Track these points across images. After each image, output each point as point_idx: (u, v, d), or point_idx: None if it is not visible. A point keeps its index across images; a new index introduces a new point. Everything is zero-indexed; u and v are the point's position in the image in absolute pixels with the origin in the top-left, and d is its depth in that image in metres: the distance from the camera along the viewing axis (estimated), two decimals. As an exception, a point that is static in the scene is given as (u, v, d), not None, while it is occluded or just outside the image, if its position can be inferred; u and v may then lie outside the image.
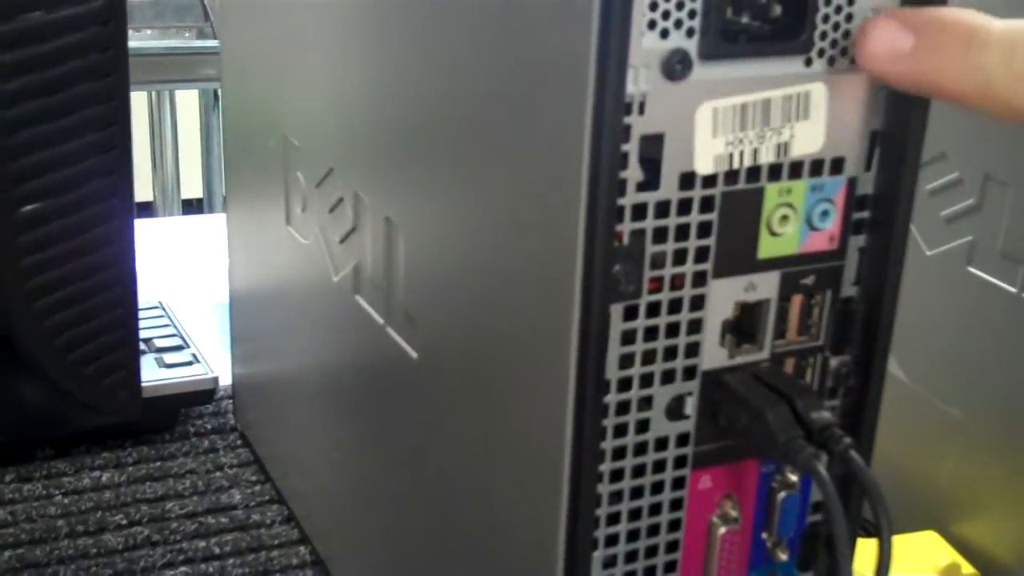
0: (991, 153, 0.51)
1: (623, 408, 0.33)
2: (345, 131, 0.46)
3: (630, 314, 0.32)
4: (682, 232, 0.32)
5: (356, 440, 0.49)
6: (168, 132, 2.06)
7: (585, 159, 0.30)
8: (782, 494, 0.36)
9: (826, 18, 0.32)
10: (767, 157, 0.32)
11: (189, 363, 0.68)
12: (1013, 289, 0.51)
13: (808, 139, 0.33)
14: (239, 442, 0.68)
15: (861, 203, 0.34)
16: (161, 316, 0.74)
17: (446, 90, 0.37)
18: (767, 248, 0.33)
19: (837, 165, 0.34)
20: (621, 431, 0.33)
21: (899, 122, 0.33)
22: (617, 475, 0.34)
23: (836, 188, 0.34)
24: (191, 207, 2.23)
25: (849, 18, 0.32)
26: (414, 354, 0.42)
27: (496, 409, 0.37)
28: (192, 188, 2.15)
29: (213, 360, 0.69)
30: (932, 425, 0.54)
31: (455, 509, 0.40)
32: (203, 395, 0.68)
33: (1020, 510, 0.52)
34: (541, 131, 0.31)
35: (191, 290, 0.90)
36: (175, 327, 0.73)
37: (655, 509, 0.35)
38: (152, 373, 0.66)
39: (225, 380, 0.69)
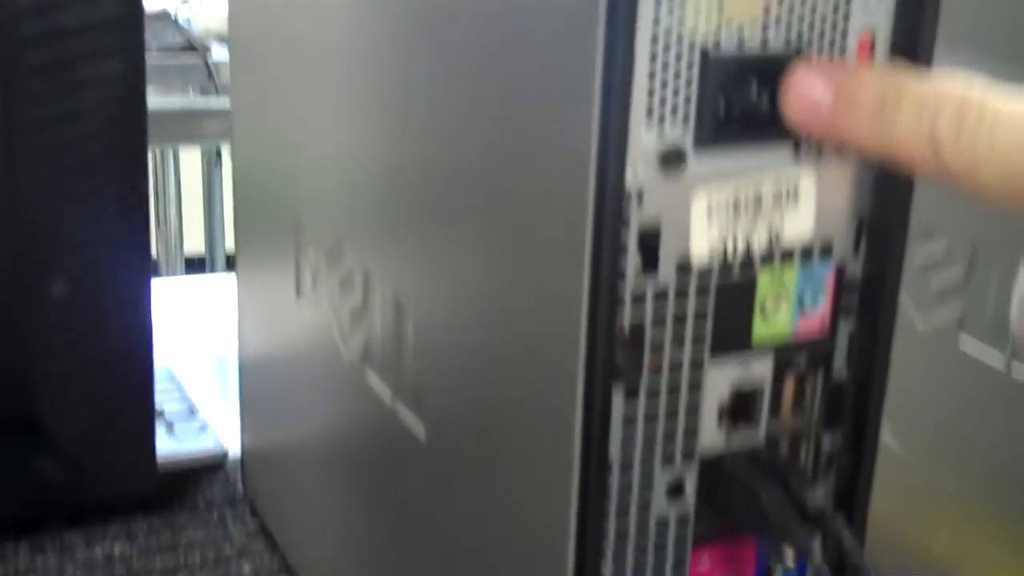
0: (979, 227, 0.53)
1: (625, 489, 0.34)
2: (355, 208, 0.48)
3: (630, 398, 0.33)
4: (679, 317, 0.33)
5: (364, 514, 0.50)
6: (172, 190, 2.08)
7: (587, 248, 0.31)
8: (780, 573, 0.37)
9: (815, 113, 0.33)
10: (759, 244, 0.34)
11: (199, 433, 0.70)
12: (1002, 362, 0.52)
13: (798, 225, 0.34)
14: (248, 512, 0.68)
15: (850, 287, 0.36)
16: (170, 383, 0.76)
17: (452, 173, 0.38)
18: (761, 332, 0.35)
19: (826, 250, 0.35)
20: (623, 511, 0.34)
21: (885, 208, 0.35)
22: (620, 554, 0.35)
23: (825, 272, 0.35)
24: (193, 265, 2.25)
25: (837, 113, 0.33)
26: (422, 434, 0.43)
27: (501, 488, 0.38)
28: (195, 244, 2.16)
29: (220, 423, 0.70)
30: (926, 496, 0.55)
31: (460, 584, 0.41)
32: (213, 466, 0.69)
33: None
34: (544, 219, 0.33)
35: (197, 350, 0.91)
36: (184, 395, 0.74)
37: (656, 586, 0.35)
38: (162, 443, 0.67)
39: (234, 446, 0.70)
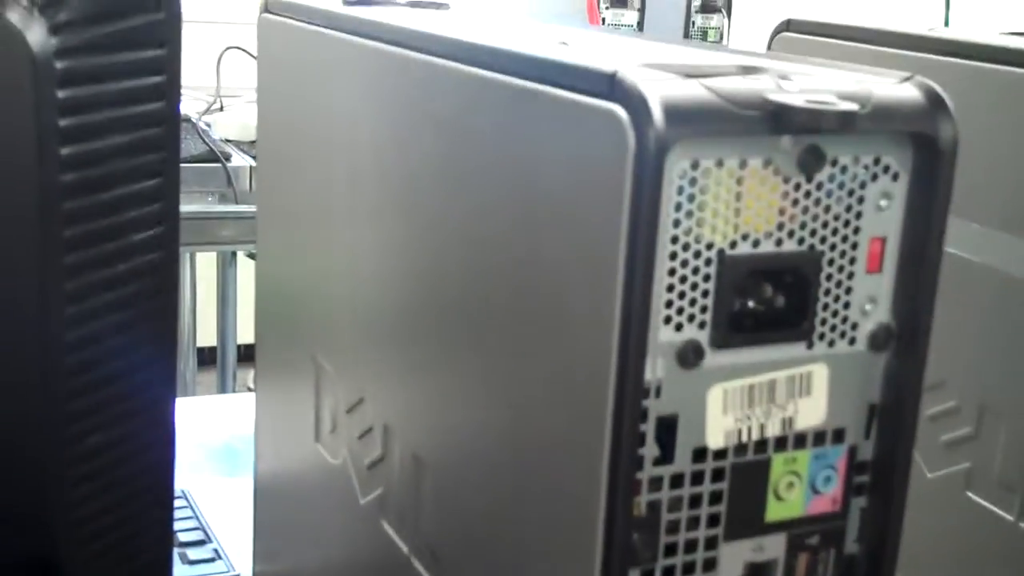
0: (987, 385, 0.54)
1: (642, 666, 0.35)
2: (375, 365, 0.49)
3: (647, 576, 0.34)
4: (695, 501, 0.35)
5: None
6: (188, 292, 2.11)
7: (606, 440, 0.32)
8: None
9: (826, 306, 0.35)
10: (773, 431, 0.35)
11: (212, 560, 0.70)
12: (1011, 517, 0.53)
13: (811, 413, 0.35)
14: (259, 640, 0.69)
15: (861, 468, 0.37)
16: (184, 507, 0.76)
17: (479, 343, 0.40)
18: (774, 512, 0.36)
19: (838, 435, 0.36)
20: None
21: (895, 396, 0.36)
22: None
23: (838, 456, 0.36)
24: (203, 355, 2.27)
25: (847, 306, 0.35)
26: (439, 588, 0.44)
27: (518, 654, 0.38)
28: (206, 335, 2.19)
29: (232, 548, 0.71)
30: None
31: None
32: (224, 592, 0.70)
33: None
34: (565, 407, 0.34)
35: (208, 470, 0.92)
36: (198, 520, 0.75)
37: None
38: (176, 569, 0.68)
39: (246, 571, 0.71)
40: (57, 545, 0.43)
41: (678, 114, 0.30)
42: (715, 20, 2.58)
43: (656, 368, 0.33)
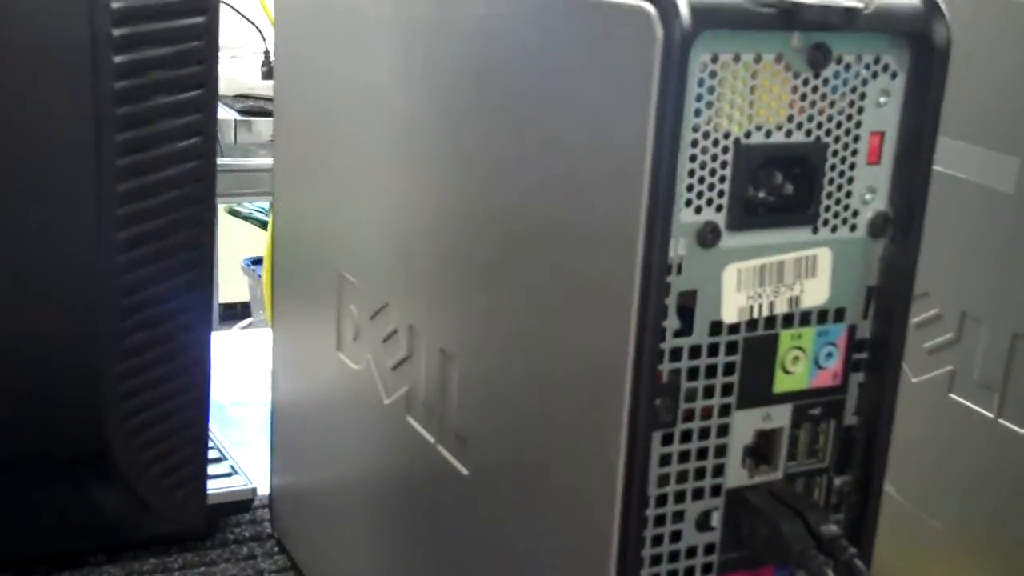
0: (968, 293, 0.58)
1: (660, 521, 0.39)
2: (401, 270, 0.52)
3: (667, 440, 0.38)
4: (711, 371, 0.38)
5: (402, 548, 0.54)
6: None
7: (634, 310, 0.36)
8: (793, 598, 0.42)
9: (830, 195, 0.38)
10: (781, 308, 0.38)
11: (228, 475, 0.74)
12: (990, 415, 0.57)
13: (815, 293, 0.39)
14: (276, 548, 0.72)
15: (860, 346, 0.41)
16: (199, 429, 0.79)
17: (503, 237, 0.43)
18: (781, 384, 0.39)
19: (839, 314, 0.40)
20: (658, 541, 0.39)
21: (891, 279, 0.40)
22: (654, 578, 0.39)
23: (839, 333, 0.40)
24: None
25: (849, 194, 0.39)
26: (465, 471, 0.47)
27: (546, 520, 0.42)
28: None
29: (248, 468, 0.74)
30: (919, 537, 0.60)
31: (503, 610, 0.45)
32: (242, 504, 0.73)
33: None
34: (595, 282, 0.38)
35: (223, 398, 0.95)
36: (213, 439, 0.78)
37: (686, 610, 0.40)
38: (195, 483, 0.71)
39: (261, 489, 0.74)
40: (106, 436, 0.47)
41: (702, 9, 0.33)
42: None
43: (678, 247, 0.36)
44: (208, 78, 0.46)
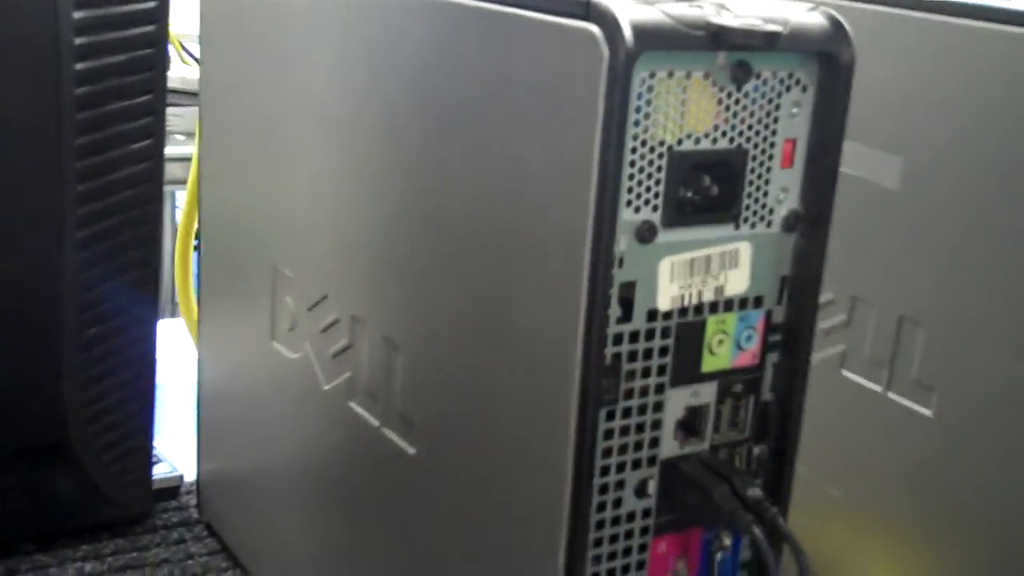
0: (859, 279, 0.63)
1: (603, 489, 0.43)
2: (342, 265, 0.55)
3: (610, 416, 0.42)
4: (647, 353, 0.42)
5: (343, 528, 0.58)
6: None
7: (583, 300, 0.40)
8: (719, 555, 0.47)
9: (749, 195, 0.43)
10: (708, 297, 0.43)
11: (155, 462, 0.76)
12: (879, 388, 0.63)
13: (738, 283, 0.44)
14: (205, 533, 0.75)
15: (775, 329, 0.45)
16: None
17: (453, 235, 0.47)
18: (708, 364, 0.44)
19: (758, 301, 0.44)
20: (601, 507, 0.43)
21: (801, 269, 0.45)
22: (598, 542, 0.43)
23: (757, 318, 0.45)
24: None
25: (766, 194, 0.43)
26: (412, 450, 0.51)
27: (495, 493, 0.46)
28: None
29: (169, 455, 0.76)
30: (821, 504, 0.66)
31: (452, 578, 0.49)
32: (170, 491, 0.75)
33: (887, 570, 0.63)
34: (544, 276, 0.42)
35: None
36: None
37: (626, 569, 0.44)
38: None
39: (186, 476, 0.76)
40: (65, 427, 0.49)
41: (643, 32, 0.38)
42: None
43: (620, 243, 0.40)
44: (158, 83, 0.48)
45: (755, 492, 0.43)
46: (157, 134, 0.49)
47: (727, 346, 0.44)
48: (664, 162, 0.40)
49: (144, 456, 0.54)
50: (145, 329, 0.52)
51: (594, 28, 0.38)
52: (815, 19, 0.42)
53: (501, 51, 0.42)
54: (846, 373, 0.64)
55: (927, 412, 0.62)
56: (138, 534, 0.74)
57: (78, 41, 0.43)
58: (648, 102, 0.39)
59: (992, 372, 0.59)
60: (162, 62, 0.48)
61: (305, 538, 0.62)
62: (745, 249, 0.43)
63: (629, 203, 0.40)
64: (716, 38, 0.39)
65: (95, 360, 0.48)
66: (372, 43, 0.50)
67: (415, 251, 0.49)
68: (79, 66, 0.44)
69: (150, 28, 0.46)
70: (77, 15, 0.43)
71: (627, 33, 0.37)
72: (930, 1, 0.60)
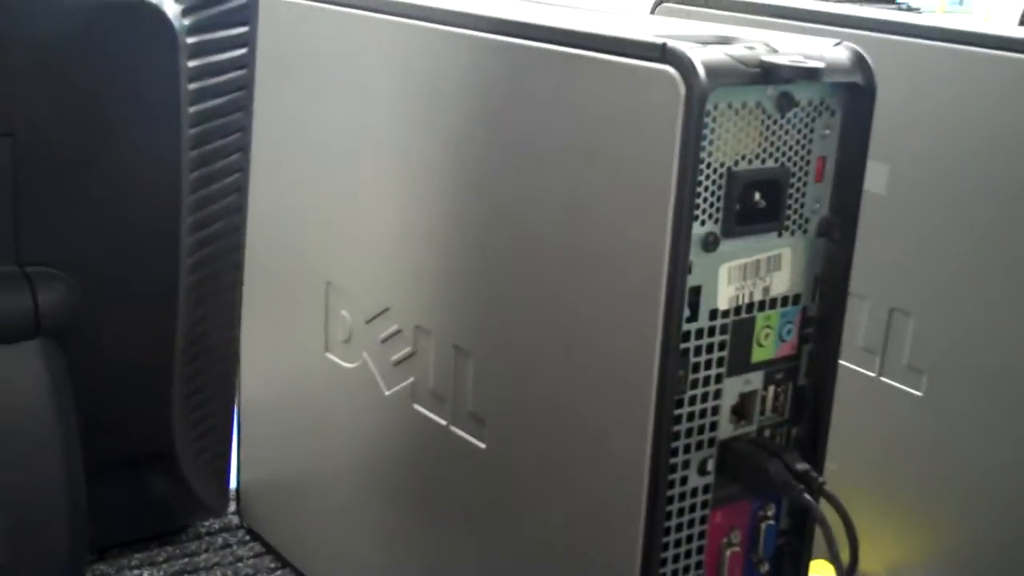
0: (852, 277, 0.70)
1: (672, 469, 0.49)
2: (403, 277, 0.61)
3: (679, 404, 0.48)
4: (709, 348, 0.49)
5: (409, 524, 0.63)
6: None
7: (661, 303, 0.46)
8: (764, 525, 0.53)
9: (790, 207, 0.49)
10: (758, 296, 0.50)
11: (194, 473, 0.80)
12: (872, 374, 0.70)
13: (781, 283, 0.50)
14: (247, 537, 0.79)
15: (809, 323, 0.52)
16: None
17: (532, 254, 0.52)
18: (757, 355, 0.51)
19: (796, 299, 0.51)
20: (671, 485, 0.49)
21: (832, 270, 0.51)
22: (668, 515, 0.49)
23: (795, 314, 0.51)
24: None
25: (803, 205, 0.50)
26: (483, 445, 0.57)
27: (571, 477, 0.52)
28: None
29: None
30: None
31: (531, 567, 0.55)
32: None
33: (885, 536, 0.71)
34: (624, 285, 0.48)
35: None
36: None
37: (690, 539, 0.51)
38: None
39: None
40: (172, 438, 0.54)
41: (713, 72, 0.44)
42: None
43: (690, 253, 0.47)
44: (249, 80, 0.53)
45: (803, 466, 0.50)
46: (245, 170, 0.54)
47: (772, 339, 0.51)
48: (724, 181, 0.47)
49: (226, 462, 0.59)
50: (231, 348, 0.57)
51: (671, 69, 0.44)
52: (843, 54, 0.49)
53: (578, 89, 0.48)
54: (842, 360, 0.71)
55: (918, 393, 0.69)
56: (184, 541, 0.79)
57: (192, 87, 0.49)
58: (713, 131, 0.46)
59: (976, 352, 0.66)
60: (250, 103, 0.53)
61: (369, 536, 0.67)
62: (787, 254, 0.50)
63: (697, 217, 0.47)
64: (768, 74, 0.46)
65: (197, 381, 0.53)
66: (440, 76, 0.56)
67: (487, 268, 0.55)
68: (192, 110, 0.49)
69: (243, 72, 0.51)
70: (191, 64, 0.48)
71: (701, 73, 0.44)
72: (914, 26, 0.67)
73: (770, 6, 0.79)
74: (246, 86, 0.53)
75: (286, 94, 0.65)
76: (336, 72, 0.63)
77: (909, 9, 3.17)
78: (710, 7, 0.78)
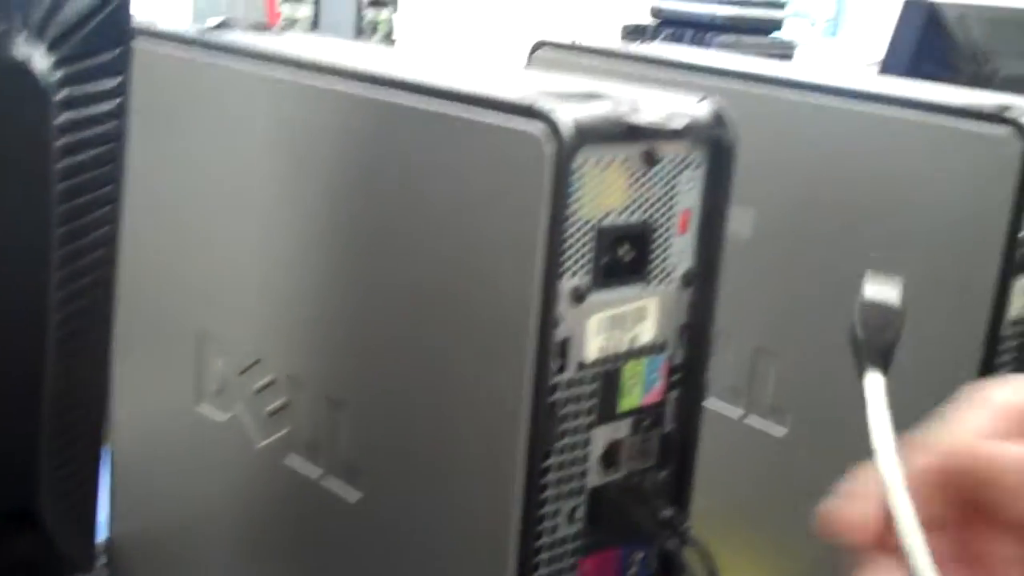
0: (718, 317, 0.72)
1: (541, 519, 0.50)
2: (276, 327, 0.60)
3: (548, 454, 0.49)
4: (577, 398, 0.50)
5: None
6: None
7: (529, 357, 0.47)
8: (633, 570, 0.54)
9: (655, 258, 0.51)
10: (624, 346, 0.51)
11: (61, 525, 0.78)
12: (740, 412, 0.72)
13: (647, 333, 0.51)
14: (117, 590, 0.78)
15: (675, 370, 0.53)
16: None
17: (403, 307, 0.53)
18: (624, 404, 0.52)
19: (662, 347, 0.52)
20: (540, 535, 0.50)
21: (697, 318, 0.53)
22: (537, 567, 0.50)
23: (661, 362, 0.53)
24: None
25: (668, 257, 0.51)
26: (354, 498, 0.56)
27: (443, 530, 0.52)
28: None
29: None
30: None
31: (401, 606, 0.55)
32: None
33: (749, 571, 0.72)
34: (494, 338, 0.48)
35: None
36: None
37: (561, 586, 0.51)
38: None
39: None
40: (38, 497, 0.52)
41: (579, 130, 0.45)
42: (384, 13, 2.74)
43: (558, 306, 0.47)
44: (121, 132, 0.52)
45: (668, 511, 0.51)
46: (116, 222, 0.53)
47: (639, 387, 0.52)
48: (592, 236, 0.48)
49: (92, 517, 0.58)
50: (103, 402, 0.56)
51: (538, 128, 0.45)
52: (705, 110, 0.50)
53: (449, 144, 0.49)
54: (710, 401, 0.73)
55: (783, 431, 0.71)
56: (51, 595, 0.76)
57: (62, 140, 0.48)
58: (580, 187, 0.47)
59: (837, 392, 0.68)
60: (122, 154, 0.52)
61: (236, 584, 0.66)
62: (653, 304, 0.51)
63: (565, 271, 0.47)
64: (633, 132, 0.47)
65: (66, 436, 0.51)
66: (315, 129, 0.56)
67: (360, 320, 0.55)
68: (62, 164, 0.48)
69: (116, 123, 0.51)
70: (62, 117, 0.48)
71: (567, 132, 0.45)
72: (778, 77, 0.70)
73: (641, 55, 0.81)
74: (118, 138, 0.52)
75: (161, 145, 0.64)
76: (210, 124, 0.63)
77: (784, 43, 3.29)
78: (584, 53, 0.80)
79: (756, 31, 3.27)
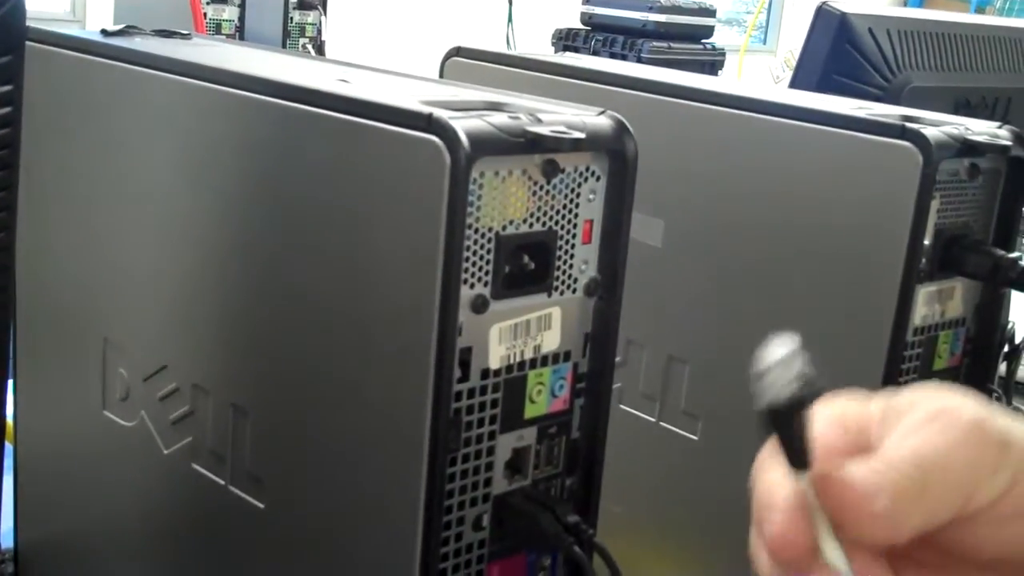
0: (631, 326, 0.73)
1: (447, 526, 0.50)
2: (180, 335, 0.60)
3: (452, 462, 0.49)
4: (482, 406, 0.50)
5: (190, 579, 0.62)
6: None
7: (431, 366, 0.47)
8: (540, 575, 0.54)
9: (559, 268, 0.51)
10: (529, 355, 0.51)
11: (-33, 536, 0.77)
12: (652, 419, 0.73)
13: (551, 341, 0.52)
14: (25, 601, 0.76)
15: (581, 378, 0.54)
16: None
17: (303, 314, 0.53)
18: (529, 411, 0.52)
19: (567, 356, 0.53)
20: (445, 542, 0.50)
21: (601, 326, 0.53)
22: (444, 572, 0.50)
23: (567, 370, 0.53)
24: None
25: (571, 267, 0.52)
26: (260, 505, 0.56)
27: (347, 535, 0.52)
28: None
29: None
30: (602, 519, 0.75)
31: (307, 616, 0.55)
32: (-14, 563, 0.76)
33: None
34: (395, 345, 0.48)
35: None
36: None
37: (467, 593, 0.51)
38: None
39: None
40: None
41: (476, 142, 0.45)
42: (312, 17, 2.73)
43: (459, 315, 0.48)
44: (14, 138, 0.51)
45: (573, 518, 0.52)
46: (12, 228, 0.52)
47: (544, 395, 0.52)
48: (493, 245, 0.48)
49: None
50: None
51: (436, 139, 0.45)
52: (605, 122, 0.51)
53: (349, 154, 0.49)
54: (623, 407, 0.74)
55: (694, 437, 0.72)
56: (-45, 608, 0.75)
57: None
58: (479, 197, 0.47)
59: (747, 398, 0.69)
60: (18, 117, 0.51)
61: (144, 595, 0.66)
62: (557, 313, 0.52)
63: (466, 280, 0.48)
64: (532, 144, 0.47)
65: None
66: (215, 137, 0.56)
67: (262, 327, 0.55)
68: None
69: (8, 110, 0.50)
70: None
71: (464, 143, 0.45)
72: (684, 88, 0.71)
73: (552, 64, 0.81)
74: (11, 144, 0.51)
75: (58, 149, 0.64)
76: (109, 131, 0.62)
77: (714, 50, 3.32)
78: (496, 63, 0.80)
79: (687, 38, 3.31)
